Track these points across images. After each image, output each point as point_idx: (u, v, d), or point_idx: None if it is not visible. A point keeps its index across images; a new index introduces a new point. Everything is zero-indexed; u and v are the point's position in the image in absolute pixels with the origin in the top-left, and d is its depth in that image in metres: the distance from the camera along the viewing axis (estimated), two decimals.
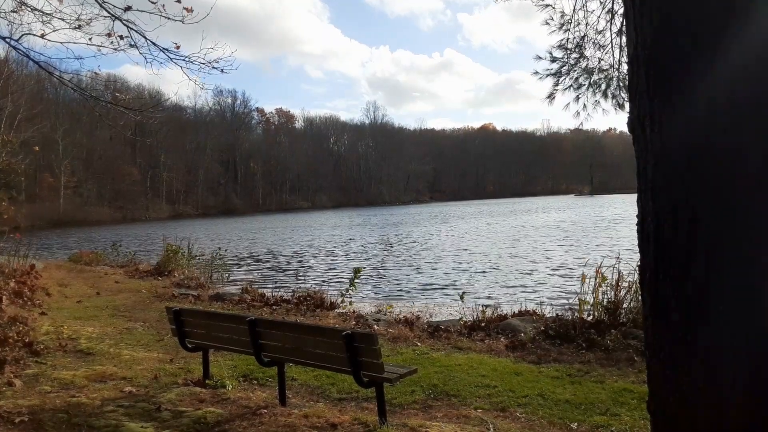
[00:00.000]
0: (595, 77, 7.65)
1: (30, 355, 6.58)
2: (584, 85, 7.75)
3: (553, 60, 7.73)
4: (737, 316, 1.93)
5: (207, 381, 5.66)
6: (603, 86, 7.67)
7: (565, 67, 7.67)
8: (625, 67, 7.07)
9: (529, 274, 17.05)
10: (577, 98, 7.89)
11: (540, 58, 7.96)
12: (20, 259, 12.76)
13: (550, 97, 8.10)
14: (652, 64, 2.12)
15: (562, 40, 7.57)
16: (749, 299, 1.93)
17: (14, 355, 6.36)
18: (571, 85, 7.81)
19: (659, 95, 2.10)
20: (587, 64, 7.60)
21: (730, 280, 1.95)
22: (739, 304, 1.93)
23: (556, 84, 7.86)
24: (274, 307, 10.49)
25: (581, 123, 8.26)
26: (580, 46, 7.49)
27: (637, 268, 2.35)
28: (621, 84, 7.52)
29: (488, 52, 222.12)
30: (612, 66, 7.46)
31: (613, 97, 7.70)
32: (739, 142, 1.95)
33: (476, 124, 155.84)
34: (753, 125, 1.94)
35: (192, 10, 5.91)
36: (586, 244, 25.00)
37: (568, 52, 7.56)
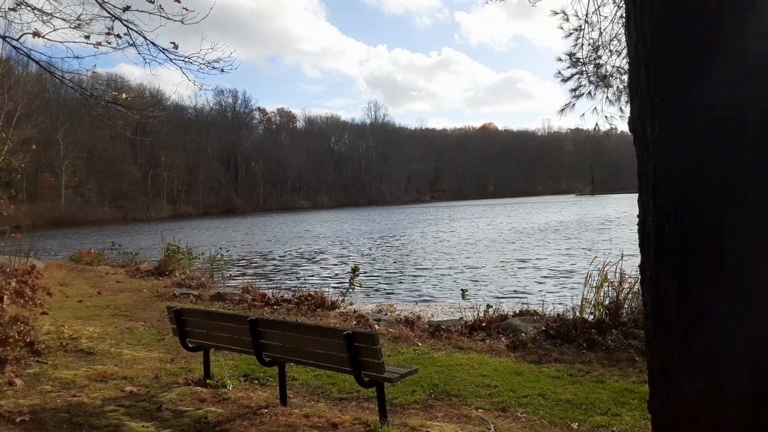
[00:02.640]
0: (613, 89, 7.52)
1: (31, 355, 6.59)
2: (601, 95, 7.62)
3: (574, 63, 7.58)
4: (738, 316, 1.93)
5: (208, 380, 5.67)
6: (622, 96, 7.54)
7: (582, 76, 7.54)
8: None
9: (530, 273, 17.04)
10: (595, 109, 7.74)
11: (560, 59, 7.82)
12: (21, 259, 12.77)
13: (568, 106, 7.90)
14: (652, 63, 2.12)
15: (575, 45, 7.48)
16: (750, 299, 1.92)
17: (15, 354, 6.37)
18: (589, 92, 7.66)
19: (660, 95, 2.09)
20: (605, 73, 7.49)
21: (731, 279, 1.94)
22: (740, 304, 1.93)
23: (575, 94, 7.70)
24: (275, 307, 10.49)
25: (607, 134, 8.13)
26: (595, 59, 7.38)
27: (638, 268, 2.35)
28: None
29: (486, 51, 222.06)
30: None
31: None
32: (739, 141, 1.95)
33: (477, 124, 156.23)
34: (753, 124, 1.94)
35: (192, 11, 5.91)
36: (587, 244, 24.98)
37: (582, 62, 7.46)
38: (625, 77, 7.35)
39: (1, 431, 4.36)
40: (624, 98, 7.47)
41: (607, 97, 7.54)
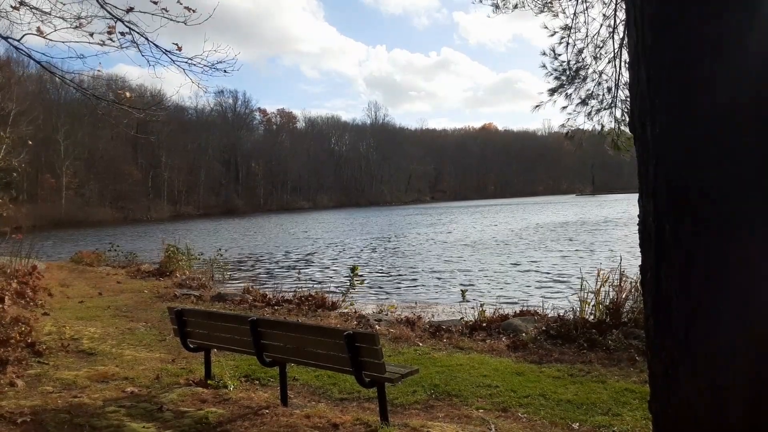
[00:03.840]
0: (593, 102, 7.61)
1: (32, 356, 6.59)
2: (584, 108, 7.74)
3: (559, 75, 7.65)
4: (738, 317, 1.93)
5: (209, 381, 5.67)
6: (606, 112, 7.66)
7: (565, 87, 7.63)
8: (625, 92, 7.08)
9: (531, 274, 17.04)
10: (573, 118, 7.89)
11: (544, 54, 7.89)
12: (22, 260, 12.77)
13: (540, 105, 8.07)
14: (652, 63, 2.12)
15: (559, 44, 7.53)
16: (750, 300, 1.92)
17: (17, 355, 6.38)
18: (571, 97, 7.77)
19: (660, 95, 2.09)
20: (586, 87, 7.57)
21: (732, 280, 1.95)
22: (741, 305, 1.93)
23: (556, 92, 7.80)
24: (276, 308, 10.50)
25: (580, 144, 8.30)
26: (579, 70, 7.44)
27: (638, 268, 2.35)
28: (620, 113, 7.50)
29: (485, 51, 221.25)
30: (612, 87, 7.43)
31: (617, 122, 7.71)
32: (739, 141, 1.95)
33: (477, 124, 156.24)
34: (753, 124, 1.94)
35: (194, 11, 5.90)
36: (588, 245, 24.98)
37: (567, 73, 7.52)
38: (606, 81, 7.44)
39: None
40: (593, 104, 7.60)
41: (587, 108, 7.64)
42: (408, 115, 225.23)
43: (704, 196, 1.98)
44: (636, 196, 2.28)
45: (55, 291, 11.77)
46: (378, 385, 4.43)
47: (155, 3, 5.73)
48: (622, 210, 49.65)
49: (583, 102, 7.73)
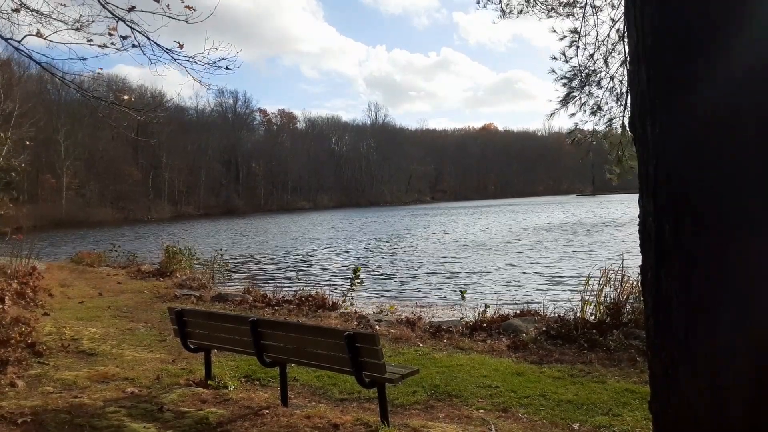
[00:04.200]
0: (602, 111, 7.64)
1: (33, 356, 6.60)
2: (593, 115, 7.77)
3: (569, 80, 7.67)
4: (739, 317, 1.93)
5: (209, 381, 5.67)
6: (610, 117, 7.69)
7: (575, 94, 7.65)
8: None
9: (532, 274, 17.04)
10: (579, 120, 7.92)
11: (554, 58, 7.90)
12: (22, 260, 12.77)
13: (558, 110, 8.09)
14: (652, 63, 2.12)
15: (569, 47, 7.53)
16: (751, 300, 1.92)
17: (17, 355, 6.38)
18: (584, 105, 7.79)
19: (660, 95, 2.09)
20: (596, 94, 7.59)
21: (732, 280, 1.94)
22: (742, 305, 1.93)
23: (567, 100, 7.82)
24: (276, 308, 10.50)
25: (587, 152, 8.33)
26: (589, 75, 7.45)
27: (638, 269, 2.35)
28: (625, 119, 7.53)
29: (485, 51, 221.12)
30: (623, 92, 7.44)
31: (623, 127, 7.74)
32: (739, 141, 1.95)
33: (477, 124, 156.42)
34: (753, 124, 1.94)
35: (194, 9, 5.89)
36: (588, 245, 24.98)
37: (579, 78, 7.53)
38: (618, 86, 7.44)
39: None
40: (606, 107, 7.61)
41: (590, 107, 7.64)
42: (408, 115, 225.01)
43: (704, 196, 1.98)
44: (636, 196, 2.28)
45: (56, 291, 11.77)
46: (378, 386, 4.44)
47: (157, 1, 5.73)
48: (622, 210, 49.63)
49: (593, 112, 7.75)
